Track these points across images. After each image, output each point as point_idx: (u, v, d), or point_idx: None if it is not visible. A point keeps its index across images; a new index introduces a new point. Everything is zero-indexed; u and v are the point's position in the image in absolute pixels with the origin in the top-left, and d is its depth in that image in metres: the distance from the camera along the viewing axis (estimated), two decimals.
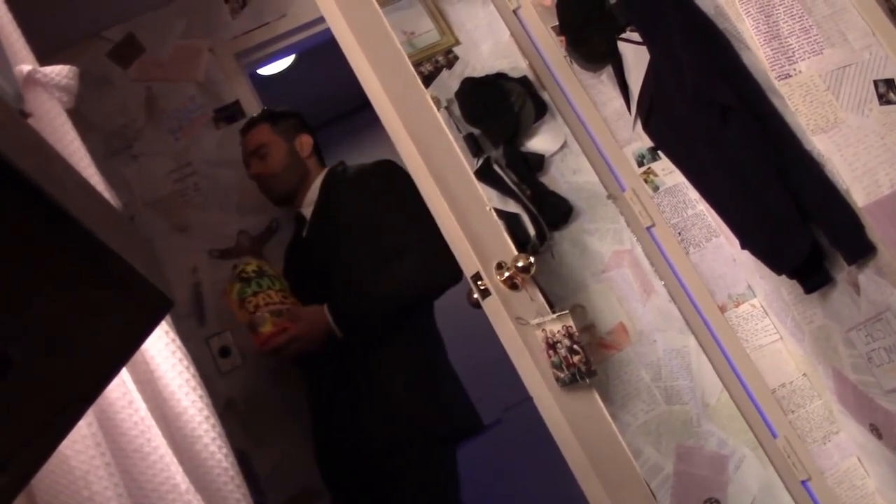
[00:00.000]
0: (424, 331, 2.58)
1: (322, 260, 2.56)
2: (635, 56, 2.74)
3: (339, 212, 2.59)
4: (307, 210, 2.70)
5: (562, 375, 1.81)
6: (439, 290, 2.53)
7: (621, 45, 2.81)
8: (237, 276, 2.52)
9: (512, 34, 3.15)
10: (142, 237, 0.61)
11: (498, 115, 3.00)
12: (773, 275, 2.56)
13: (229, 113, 3.12)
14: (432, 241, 2.45)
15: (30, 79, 1.38)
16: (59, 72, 1.40)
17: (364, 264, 2.49)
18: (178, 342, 1.28)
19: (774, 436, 2.80)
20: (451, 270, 2.42)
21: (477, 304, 1.94)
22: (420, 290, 2.49)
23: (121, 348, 0.62)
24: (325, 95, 5.14)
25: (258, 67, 3.94)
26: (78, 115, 1.62)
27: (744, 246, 2.58)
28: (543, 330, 1.84)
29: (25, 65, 1.39)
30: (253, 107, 3.15)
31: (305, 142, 2.79)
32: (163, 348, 1.25)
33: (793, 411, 2.81)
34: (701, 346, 2.87)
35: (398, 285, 2.46)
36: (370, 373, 2.45)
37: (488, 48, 3.16)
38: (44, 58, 1.52)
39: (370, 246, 2.49)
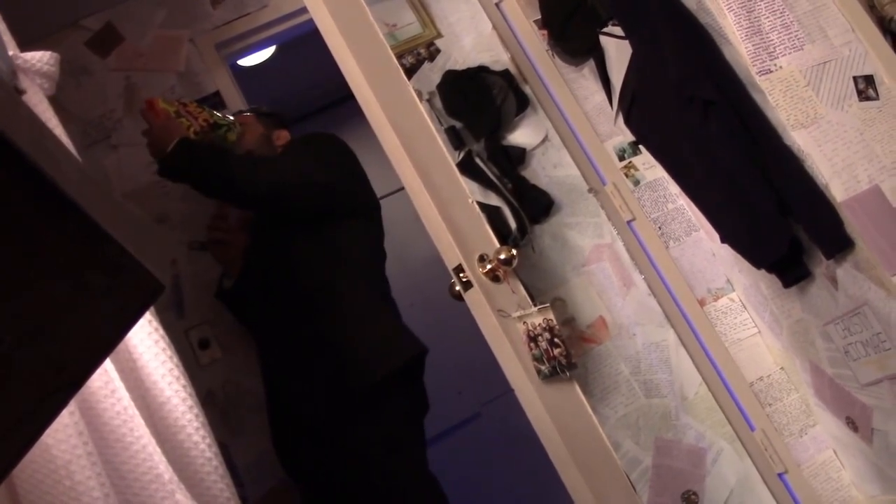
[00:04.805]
0: (362, 277, 2.56)
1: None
2: (617, 50, 2.75)
3: None
4: None
5: (543, 368, 1.82)
6: (283, 196, 2.48)
7: (603, 40, 2.82)
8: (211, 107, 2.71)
9: (494, 27, 3.15)
10: (136, 218, 0.60)
11: (480, 108, 3.00)
12: (752, 269, 2.58)
13: (210, 104, 3.09)
14: (301, 166, 2.50)
15: None
16: (41, 58, 1.38)
17: None
18: (161, 331, 1.27)
19: (752, 429, 2.83)
20: (287, 190, 2.45)
21: (459, 297, 1.94)
22: (257, 182, 2.44)
23: (110, 333, 0.62)
24: (306, 87, 5.11)
25: (239, 58, 3.92)
26: (56, 105, 1.61)
27: (724, 240, 2.60)
28: (525, 323, 1.85)
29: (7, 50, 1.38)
30: (233, 98, 3.12)
31: (283, 135, 2.79)
32: (145, 337, 1.24)
33: (770, 404, 2.84)
34: (680, 339, 2.89)
35: (246, 166, 2.47)
36: (311, 330, 2.43)
37: (470, 41, 3.16)
38: (21, 46, 1.50)
39: None
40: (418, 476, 2.40)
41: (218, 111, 2.74)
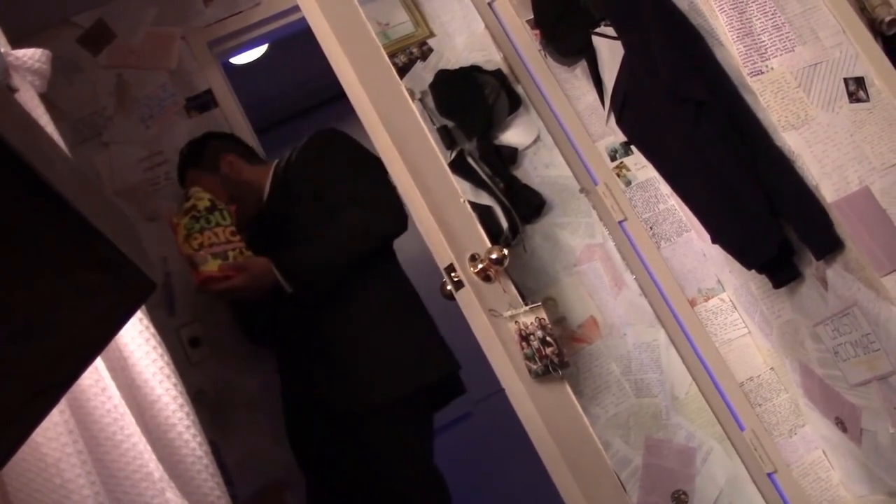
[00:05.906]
0: (389, 281, 2.55)
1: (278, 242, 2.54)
2: (609, 51, 2.76)
3: (289, 197, 2.57)
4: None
5: (535, 367, 1.82)
6: (386, 238, 2.50)
7: (596, 40, 2.83)
8: (188, 210, 2.45)
9: (487, 27, 3.16)
10: (125, 216, 0.60)
11: (472, 107, 3.01)
12: (743, 269, 2.58)
13: (202, 102, 3.09)
14: (375, 191, 2.46)
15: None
16: (32, 55, 1.38)
17: (314, 226, 2.48)
18: (152, 329, 1.26)
19: (742, 429, 2.84)
20: (395, 218, 2.45)
21: (450, 296, 1.94)
22: (367, 239, 2.44)
23: (101, 331, 0.62)
24: (298, 86, 5.10)
25: (231, 56, 3.91)
26: (47, 102, 1.60)
27: (714, 241, 2.61)
28: (516, 322, 1.85)
29: None
30: (225, 96, 3.12)
31: (228, 161, 2.66)
32: (136, 335, 1.24)
33: (760, 405, 2.85)
34: (671, 339, 2.90)
35: (344, 236, 2.42)
36: (337, 329, 2.43)
37: (463, 41, 3.16)
38: (12, 43, 1.50)
39: (319, 211, 2.48)
40: (424, 470, 2.42)
41: (200, 202, 2.49)
